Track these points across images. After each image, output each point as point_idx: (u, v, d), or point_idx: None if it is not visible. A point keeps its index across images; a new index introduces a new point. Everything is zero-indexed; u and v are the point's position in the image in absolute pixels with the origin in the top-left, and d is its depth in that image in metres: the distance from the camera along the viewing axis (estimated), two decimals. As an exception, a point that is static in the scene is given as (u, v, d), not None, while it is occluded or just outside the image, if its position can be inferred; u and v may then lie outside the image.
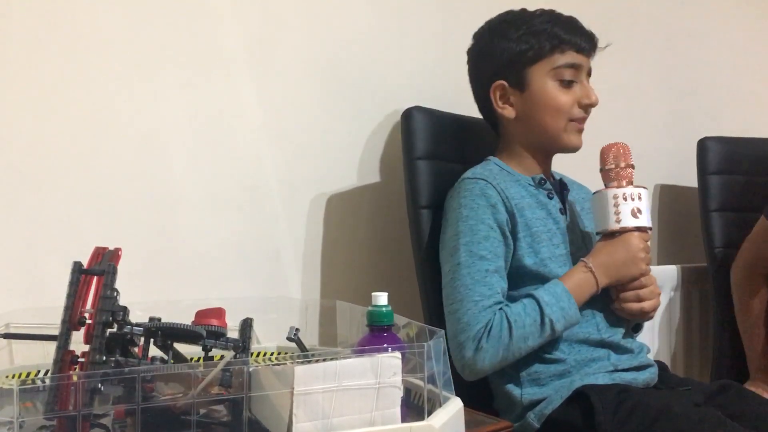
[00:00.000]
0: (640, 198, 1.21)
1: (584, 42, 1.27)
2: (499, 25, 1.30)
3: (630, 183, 1.22)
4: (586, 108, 1.27)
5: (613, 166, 1.22)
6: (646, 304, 1.23)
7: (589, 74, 1.29)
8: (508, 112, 1.28)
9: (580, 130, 1.28)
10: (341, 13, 1.44)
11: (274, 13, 1.36)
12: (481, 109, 1.35)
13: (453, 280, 1.19)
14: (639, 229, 1.21)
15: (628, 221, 1.20)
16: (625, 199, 1.20)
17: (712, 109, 2.05)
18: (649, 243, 1.24)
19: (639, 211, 1.20)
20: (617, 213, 1.20)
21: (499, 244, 1.20)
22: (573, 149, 1.29)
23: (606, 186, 1.23)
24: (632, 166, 1.23)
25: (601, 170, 1.24)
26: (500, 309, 1.16)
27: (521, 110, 1.27)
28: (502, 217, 1.21)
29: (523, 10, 1.31)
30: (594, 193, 1.26)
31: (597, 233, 1.25)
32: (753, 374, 1.62)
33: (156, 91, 1.24)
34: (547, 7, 1.30)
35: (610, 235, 1.22)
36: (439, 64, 1.56)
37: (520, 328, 1.14)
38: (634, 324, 1.30)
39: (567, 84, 1.26)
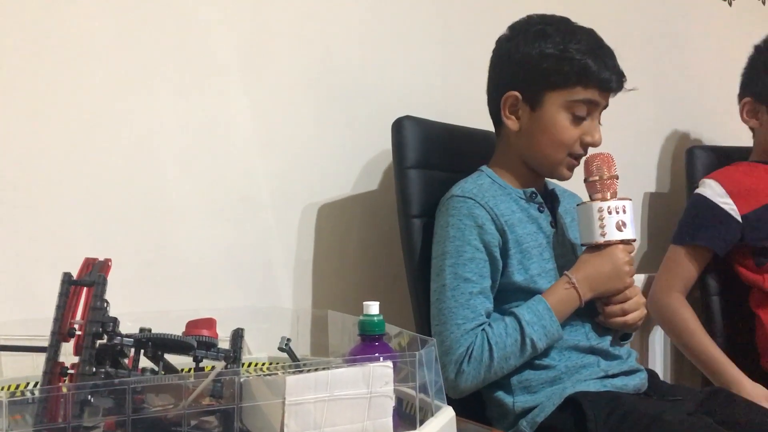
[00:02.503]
0: (624, 211, 1.21)
1: (613, 82, 1.23)
2: (536, 34, 1.23)
3: (614, 194, 1.22)
4: (586, 146, 1.25)
5: (598, 178, 1.22)
6: (631, 317, 1.24)
7: (604, 107, 1.27)
8: (512, 123, 1.26)
9: (573, 167, 1.27)
10: (333, 23, 1.44)
11: (266, 22, 1.36)
12: (490, 104, 1.32)
13: (438, 302, 1.20)
14: (623, 242, 1.22)
15: (613, 234, 1.21)
16: (609, 212, 1.21)
17: (701, 118, 2.07)
18: (633, 254, 1.25)
19: (624, 224, 1.21)
20: (602, 226, 1.21)
21: (484, 264, 1.20)
22: (560, 179, 1.29)
23: (591, 197, 1.23)
24: (616, 177, 1.23)
25: (586, 181, 1.24)
26: (482, 330, 1.16)
27: (525, 127, 1.25)
28: (490, 238, 1.20)
29: (567, 23, 1.25)
30: (578, 204, 1.26)
31: (582, 245, 1.26)
32: (741, 379, 1.60)
33: (148, 99, 1.24)
34: (543, 12, 1.28)
35: (595, 247, 1.23)
36: (430, 73, 1.56)
37: (501, 349, 1.15)
38: (621, 333, 1.30)
39: (578, 119, 1.23)
